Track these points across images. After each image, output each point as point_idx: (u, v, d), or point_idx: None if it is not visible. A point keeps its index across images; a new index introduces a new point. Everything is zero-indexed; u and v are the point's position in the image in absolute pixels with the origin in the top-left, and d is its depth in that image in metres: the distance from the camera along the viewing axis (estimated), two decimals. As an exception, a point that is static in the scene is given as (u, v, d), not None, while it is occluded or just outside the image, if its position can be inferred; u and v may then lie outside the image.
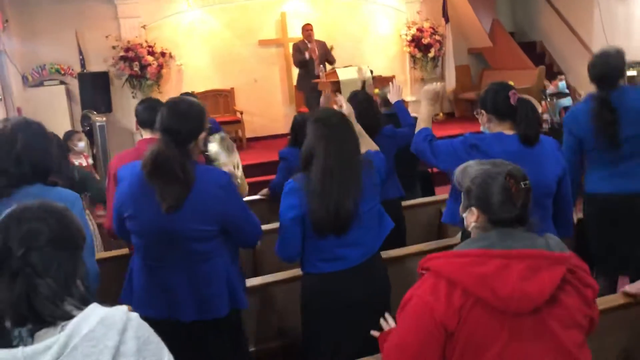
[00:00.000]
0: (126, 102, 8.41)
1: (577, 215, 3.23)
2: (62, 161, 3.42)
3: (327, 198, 2.22)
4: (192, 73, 8.94)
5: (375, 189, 2.41)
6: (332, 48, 7.81)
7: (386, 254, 2.58)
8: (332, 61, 8.01)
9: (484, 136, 2.60)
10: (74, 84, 8.10)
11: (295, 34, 8.66)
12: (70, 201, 1.97)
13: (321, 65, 7.82)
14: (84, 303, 1.19)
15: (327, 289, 2.35)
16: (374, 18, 9.89)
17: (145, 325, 1.24)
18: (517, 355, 1.40)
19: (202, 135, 2.18)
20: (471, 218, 1.55)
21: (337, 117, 2.44)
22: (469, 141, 2.56)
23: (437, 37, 9.73)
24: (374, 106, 3.78)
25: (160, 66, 8.46)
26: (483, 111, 2.61)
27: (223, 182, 2.18)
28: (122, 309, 1.21)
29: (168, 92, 8.31)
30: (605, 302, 2.32)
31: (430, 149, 2.65)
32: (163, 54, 8.52)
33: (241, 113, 8.77)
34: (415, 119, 3.81)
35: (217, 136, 2.77)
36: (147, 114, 2.80)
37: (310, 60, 7.86)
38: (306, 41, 8.03)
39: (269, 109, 9.24)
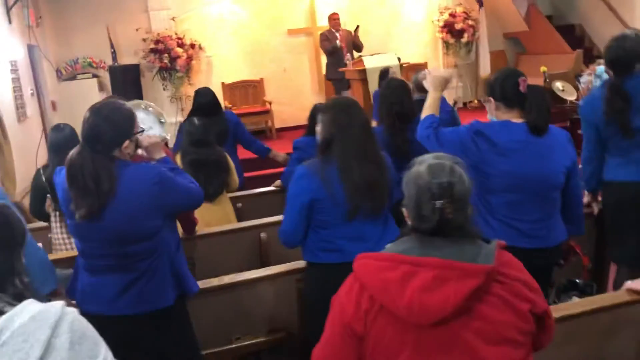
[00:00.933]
0: (157, 94, 8.51)
1: (597, 207, 3.08)
2: None
3: (356, 172, 2.26)
4: (222, 64, 8.97)
5: (389, 189, 2.39)
6: (358, 28, 7.72)
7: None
8: (360, 47, 7.89)
9: (491, 123, 2.52)
10: (106, 77, 8.25)
11: (324, 22, 8.57)
12: None
13: (348, 54, 7.75)
14: (18, 299, 1.18)
15: (327, 279, 2.31)
16: (404, 4, 9.69)
17: (82, 320, 1.22)
18: None
19: (126, 143, 2.09)
20: (406, 216, 1.47)
21: (351, 102, 2.46)
22: (475, 127, 2.49)
23: (471, 22, 9.46)
24: (409, 93, 3.73)
25: (190, 58, 8.52)
26: (491, 98, 2.52)
27: (155, 178, 2.11)
28: (58, 304, 1.19)
29: (198, 83, 8.33)
30: (610, 299, 2.20)
31: (436, 137, 2.58)
32: (192, 46, 8.57)
33: (270, 103, 8.77)
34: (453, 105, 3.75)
35: (140, 103, 2.57)
36: None
37: (337, 48, 7.80)
38: (333, 30, 7.96)
39: (298, 98, 9.19)
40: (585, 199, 3.05)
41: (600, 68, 7.54)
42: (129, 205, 2.05)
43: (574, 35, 9.44)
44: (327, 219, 2.32)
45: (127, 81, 8.02)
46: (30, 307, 1.17)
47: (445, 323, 1.29)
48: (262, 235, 3.36)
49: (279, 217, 3.59)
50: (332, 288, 2.27)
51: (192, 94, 7.94)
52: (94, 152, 2.03)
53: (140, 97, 8.26)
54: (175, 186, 2.20)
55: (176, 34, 8.53)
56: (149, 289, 2.14)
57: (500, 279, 1.34)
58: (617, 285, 2.88)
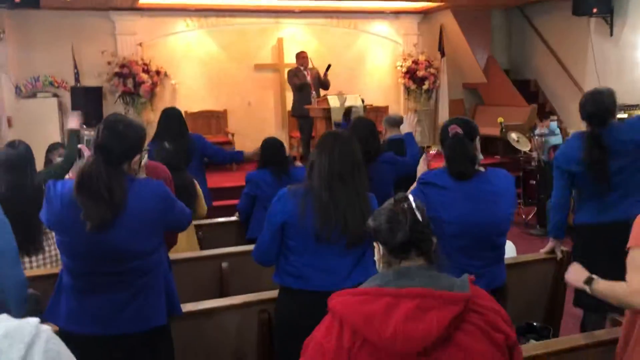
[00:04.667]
0: (118, 118, 8.38)
1: (561, 253, 3.16)
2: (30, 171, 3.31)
3: (328, 200, 2.23)
4: (186, 92, 8.97)
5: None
6: (329, 67, 7.90)
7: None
8: (326, 85, 8.04)
9: (437, 170, 2.57)
10: (67, 97, 8.12)
11: (292, 59, 8.72)
12: None
13: (314, 92, 7.88)
14: None
15: (291, 303, 2.33)
16: (370, 48, 9.98)
17: (57, 339, 1.18)
18: None
19: (137, 158, 2.10)
20: (377, 255, 1.51)
21: (342, 133, 2.46)
22: (421, 179, 2.56)
23: (432, 71, 9.80)
24: (375, 133, 3.83)
25: (155, 84, 8.49)
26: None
27: (163, 194, 2.14)
28: (32, 322, 1.15)
29: (161, 110, 8.28)
30: (566, 342, 2.27)
31: None
32: (158, 73, 8.56)
33: (232, 135, 8.77)
34: (422, 150, 3.84)
35: None
36: None
37: (306, 84, 7.91)
38: (301, 67, 8.08)
39: (261, 132, 9.10)
40: (550, 244, 3.16)
41: (553, 124, 7.94)
42: (136, 220, 2.03)
43: (529, 90, 9.87)
44: (295, 245, 2.30)
45: (88, 103, 7.88)
46: (3, 324, 1.13)
47: (428, 354, 1.31)
48: (224, 265, 3.32)
49: (242, 248, 3.59)
50: (295, 313, 2.29)
51: (154, 120, 7.96)
52: (106, 164, 2.02)
53: (101, 120, 8.13)
54: (177, 205, 2.22)
55: (142, 59, 8.50)
56: (146, 307, 2.10)
57: (476, 308, 1.37)
58: (585, 330, 2.97)
